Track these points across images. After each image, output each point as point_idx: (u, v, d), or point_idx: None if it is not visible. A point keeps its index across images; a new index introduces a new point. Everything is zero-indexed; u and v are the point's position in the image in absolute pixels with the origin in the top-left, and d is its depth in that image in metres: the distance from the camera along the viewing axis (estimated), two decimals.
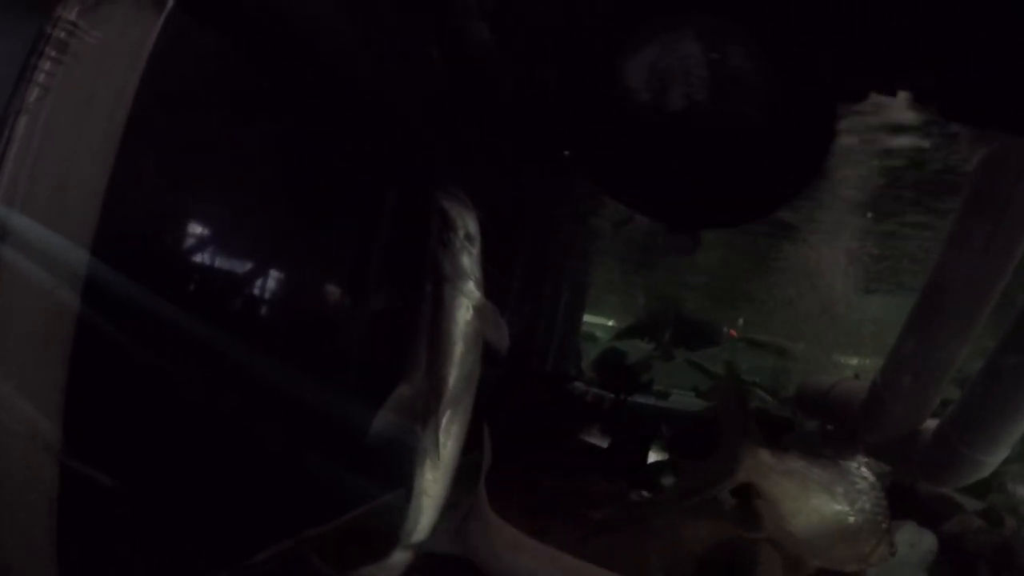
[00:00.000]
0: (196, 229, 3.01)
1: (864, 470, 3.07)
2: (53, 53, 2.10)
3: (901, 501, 5.20)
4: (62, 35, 2.11)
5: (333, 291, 4.34)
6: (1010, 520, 4.79)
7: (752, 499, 3.21)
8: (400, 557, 2.63)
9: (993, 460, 3.41)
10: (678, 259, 9.54)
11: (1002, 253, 3.17)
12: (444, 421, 2.55)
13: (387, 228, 4.31)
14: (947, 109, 2.10)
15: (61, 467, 1.90)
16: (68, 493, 1.93)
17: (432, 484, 2.59)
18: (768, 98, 2.01)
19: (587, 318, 13.13)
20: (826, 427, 5.35)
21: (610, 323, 14.15)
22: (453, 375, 2.51)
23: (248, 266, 3.53)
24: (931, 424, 3.79)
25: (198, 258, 3.07)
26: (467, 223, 2.46)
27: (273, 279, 3.69)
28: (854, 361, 9.14)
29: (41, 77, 2.07)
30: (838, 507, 2.98)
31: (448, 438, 2.57)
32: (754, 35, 1.93)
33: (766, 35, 1.95)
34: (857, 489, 3.02)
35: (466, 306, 2.48)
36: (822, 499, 2.98)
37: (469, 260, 2.46)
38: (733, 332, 12.50)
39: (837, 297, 7.60)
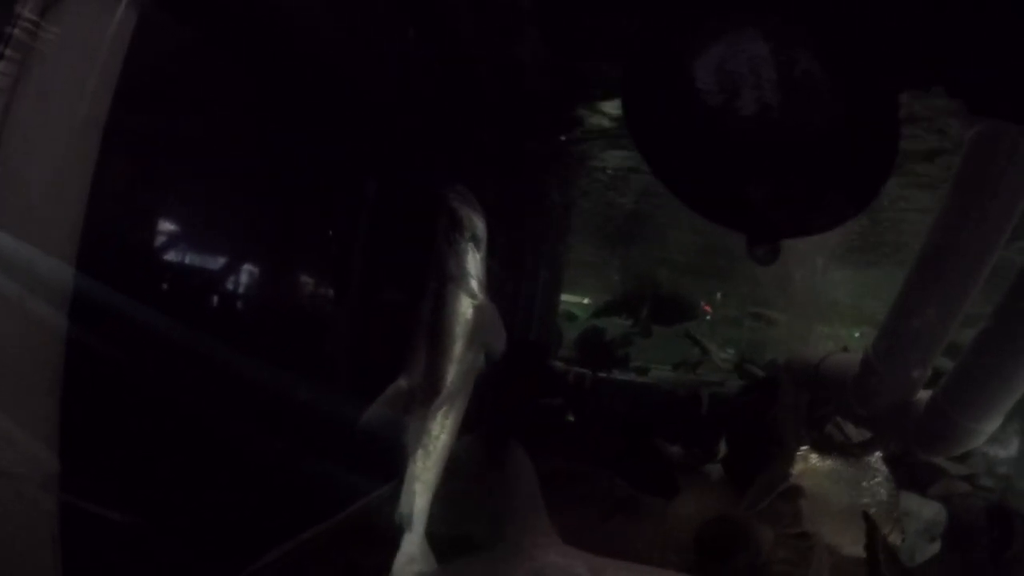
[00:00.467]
0: (186, 232, 2.87)
1: (881, 464, 3.21)
2: (13, 54, 1.95)
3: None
4: (22, 34, 1.95)
5: (328, 290, 4.23)
6: (996, 483, 4.90)
7: (796, 499, 3.31)
8: (409, 544, 2.69)
9: (987, 428, 3.45)
10: (653, 235, 9.55)
11: (994, 226, 3.18)
12: (439, 415, 2.60)
13: (387, 226, 4.24)
14: (975, 104, 2.11)
15: (61, 501, 1.79)
16: (70, 526, 1.83)
17: (424, 472, 2.65)
18: (840, 101, 1.99)
19: (563, 297, 13.12)
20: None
21: (585, 301, 14.17)
22: (452, 371, 2.54)
23: (243, 268, 3.40)
24: (923, 395, 3.82)
25: (193, 263, 2.94)
26: (474, 224, 2.49)
27: (269, 280, 3.57)
28: (826, 330, 9.28)
29: (1, 80, 1.92)
30: (864, 500, 3.12)
31: (443, 431, 2.64)
32: (820, 36, 1.91)
33: (831, 36, 1.92)
34: (876, 482, 3.16)
35: (468, 305, 2.52)
36: (852, 494, 3.11)
37: (474, 260, 2.50)
38: (708, 307, 12.64)
39: (815, 269, 7.68)
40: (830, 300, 8.61)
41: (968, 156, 3.24)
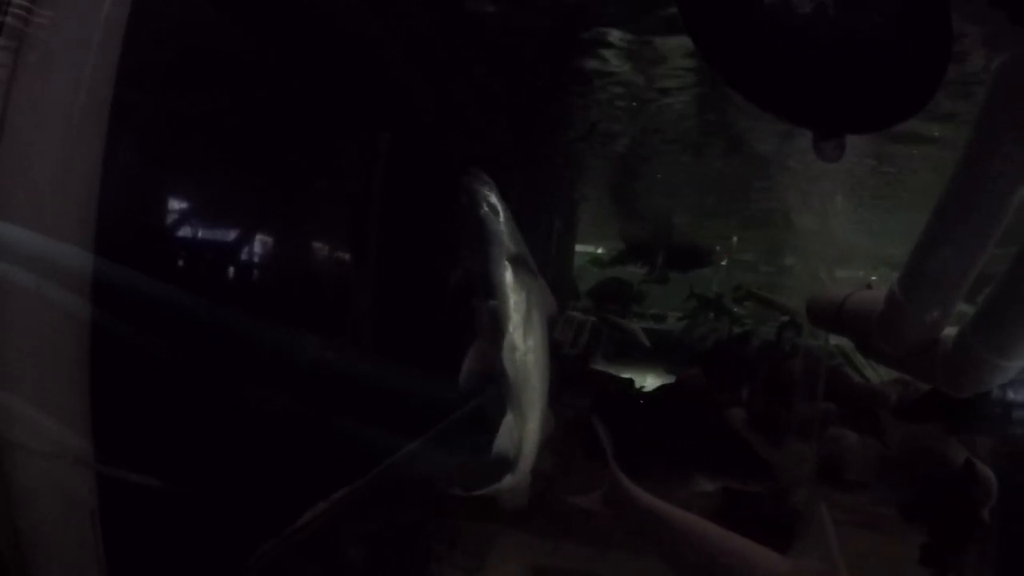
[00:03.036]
0: (201, 206, 2.84)
1: None
2: (6, 42, 1.89)
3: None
4: (14, 22, 1.89)
5: (346, 257, 4.21)
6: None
7: None
8: (509, 480, 3.02)
9: (1016, 365, 3.40)
10: (659, 178, 9.40)
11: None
12: (525, 366, 2.96)
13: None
14: (1017, 15, 2.05)
15: (97, 478, 1.82)
16: (109, 503, 1.85)
17: (519, 417, 2.98)
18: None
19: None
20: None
21: (599, 251, 14.08)
22: (512, 322, 2.92)
23: (255, 238, 3.39)
24: (950, 331, 3.77)
25: (208, 235, 2.93)
26: (488, 196, 2.88)
27: (284, 247, 3.55)
28: (845, 274, 9.16)
29: None
30: None
31: (531, 379, 2.99)
32: None
33: None
34: None
35: (506, 264, 2.90)
36: None
37: (497, 225, 2.88)
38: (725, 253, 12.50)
39: (833, 210, 7.55)
40: (847, 243, 8.50)
41: (996, 85, 3.12)
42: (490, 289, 2.92)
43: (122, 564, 1.90)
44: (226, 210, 3.02)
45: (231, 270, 3.19)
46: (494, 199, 2.90)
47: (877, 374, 6.21)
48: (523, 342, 2.96)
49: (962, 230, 3.42)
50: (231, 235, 3.18)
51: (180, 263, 2.72)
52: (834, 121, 2.34)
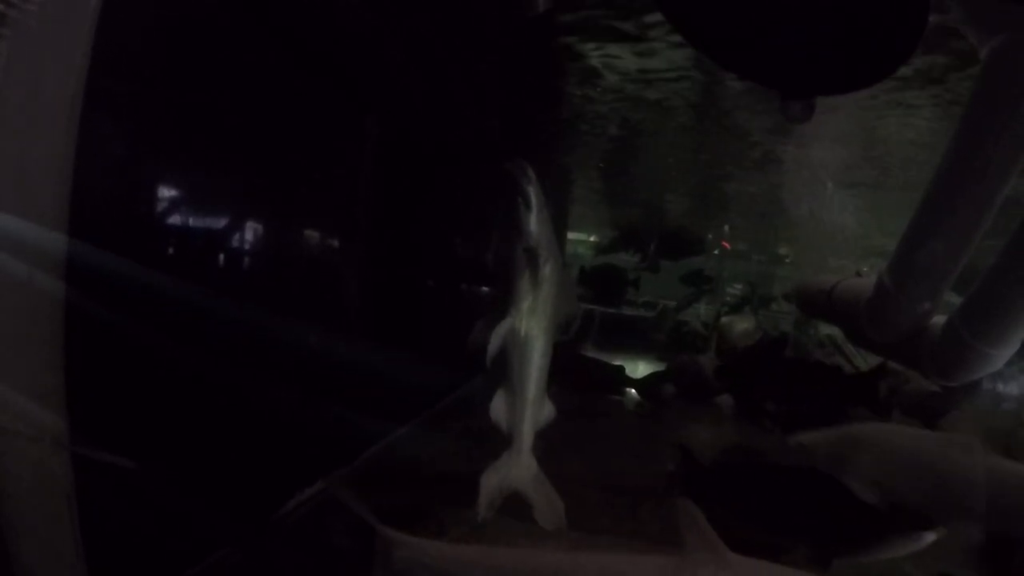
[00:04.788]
0: (177, 194, 2.80)
1: None
2: None
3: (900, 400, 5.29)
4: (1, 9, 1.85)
5: (329, 241, 4.18)
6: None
7: None
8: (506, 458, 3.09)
9: (1004, 353, 3.41)
10: (650, 166, 9.35)
11: (1014, 146, 3.07)
12: (528, 347, 3.09)
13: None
14: None
15: (74, 460, 1.80)
16: (86, 485, 1.84)
17: (517, 395, 3.09)
18: None
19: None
20: None
21: (592, 239, 14.06)
22: (520, 305, 3.10)
23: (246, 224, 3.36)
24: (938, 320, 3.78)
25: (183, 224, 2.89)
26: (526, 190, 3.03)
27: (269, 235, 3.53)
28: (841, 262, 9.17)
29: None
30: None
31: (532, 356, 3.11)
32: None
33: None
34: None
35: (524, 251, 3.07)
36: None
37: (528, 217, 3.04)
38: (726, 243, 12.46)
39: (824, 198, 7.54)
40: (838, 233, 8.50)
41: (985, 74, 3.11)
42: (503, 274, 3.08)
43: (99, 546, 1.88)
44: (206, 193, 2.98)
45: (209, 251, 3.16)
46: (530, 191, 3.04)
47: (866, 362, 6.22)
48: (526, 327, 3.07)
49: (951, 220, 3.43)
50: (210, 218, 3.14)
51: (154, 244, 2.68)
52: (801, 81, 2.30)
